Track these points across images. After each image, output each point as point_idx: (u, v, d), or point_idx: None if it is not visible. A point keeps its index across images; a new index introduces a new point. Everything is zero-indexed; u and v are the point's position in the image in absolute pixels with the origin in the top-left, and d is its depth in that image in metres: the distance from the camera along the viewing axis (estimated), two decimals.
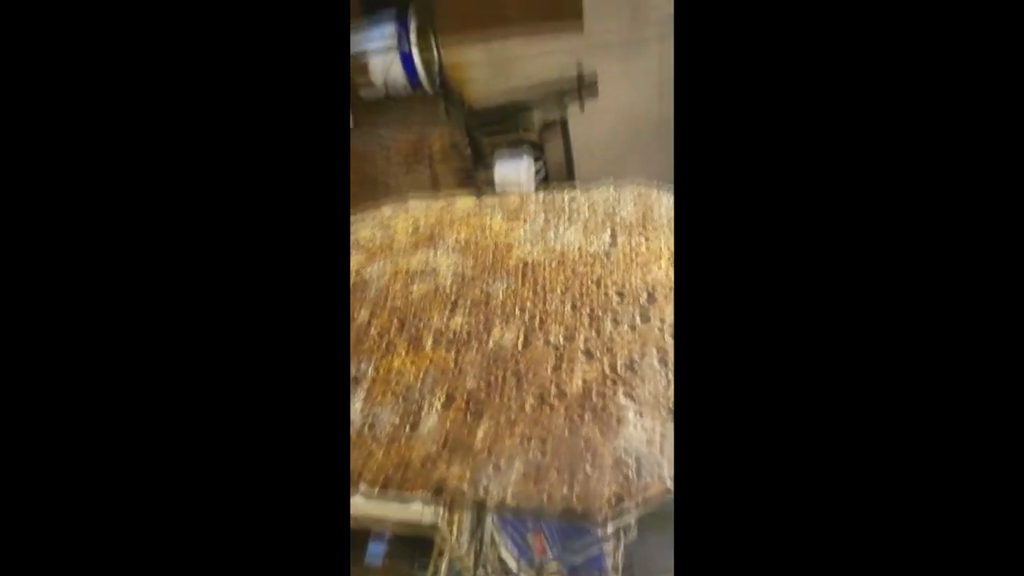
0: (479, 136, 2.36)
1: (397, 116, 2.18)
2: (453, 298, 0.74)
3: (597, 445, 0.56)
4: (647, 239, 0.76)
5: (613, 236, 0.79)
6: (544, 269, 0.75)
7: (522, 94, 2.62)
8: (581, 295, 0.71)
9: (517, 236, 0.82)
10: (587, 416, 0.59)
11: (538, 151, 2.53)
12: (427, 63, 2.10)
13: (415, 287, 0.76)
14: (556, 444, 0.57)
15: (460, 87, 2.53)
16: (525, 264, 0.77)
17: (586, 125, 2.68)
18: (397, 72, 2.08)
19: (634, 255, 0.75)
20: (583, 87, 2.60)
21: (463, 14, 2.42)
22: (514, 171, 2.27)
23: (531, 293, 0.73)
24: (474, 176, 2.24)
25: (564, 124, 2.67)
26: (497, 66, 2.57)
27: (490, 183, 2.28)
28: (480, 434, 0.59)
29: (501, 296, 0.73)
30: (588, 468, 0.55)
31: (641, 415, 0.58)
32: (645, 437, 0.56)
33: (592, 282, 0.73)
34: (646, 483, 0.52)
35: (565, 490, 0.53)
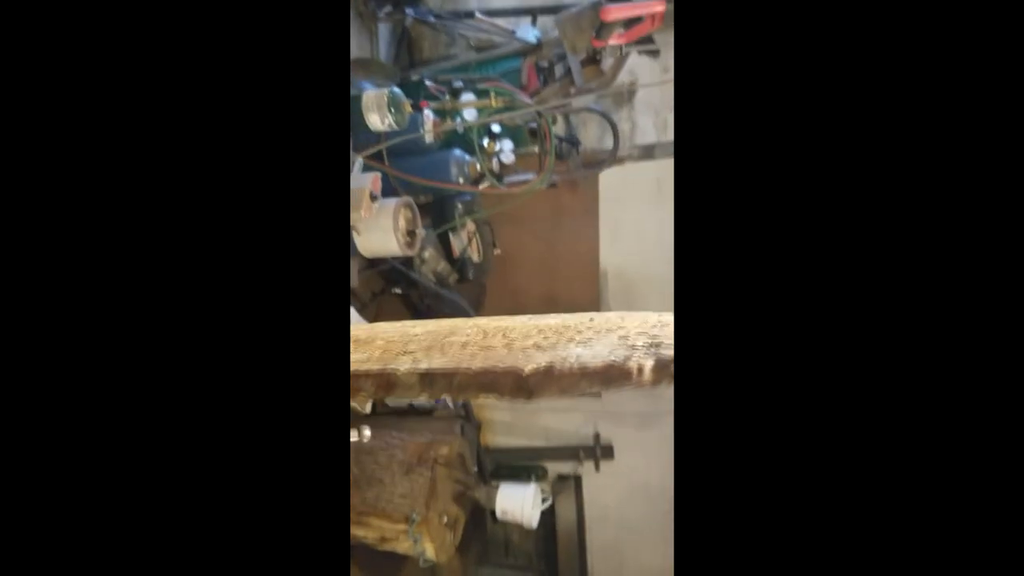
0: (488, 460, 2.31)
1: (414, 425, 2.24)
2: (415, 337, 0.69)
3: (536, 354, 0.44)
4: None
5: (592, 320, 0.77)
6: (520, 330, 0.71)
7: (540, 441, 2.67)
8: (553, 333, 0.65)
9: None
10: (533, 350, 0.48)
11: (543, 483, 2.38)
12: None
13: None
14: (489, 356, 0.44)
15: (480, 422, 2.64)
16: (501, 329, 0.74)
17: (600, 486, 2.59)
18: None
19: (609, 322, 0.71)
20: (599, 447, 2.64)
21: None
22: (519, 498, 2.10)
23: (502, 337, 0.67)
24: (473, 492, 2.09)
25: (578, 480, 2.59)
26: (518, 411, 2.73)
27: (491, 504, 2.09)
28: (404, 363, 0.47)
29: (471, 334, 0.67)
30: (520, 355, 0.41)
31: (591, 346, 0.46)
32: (590, 352, 0.44)
33: (564, 327, 0.67)
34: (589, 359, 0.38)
35: (491, 363, 0.38)
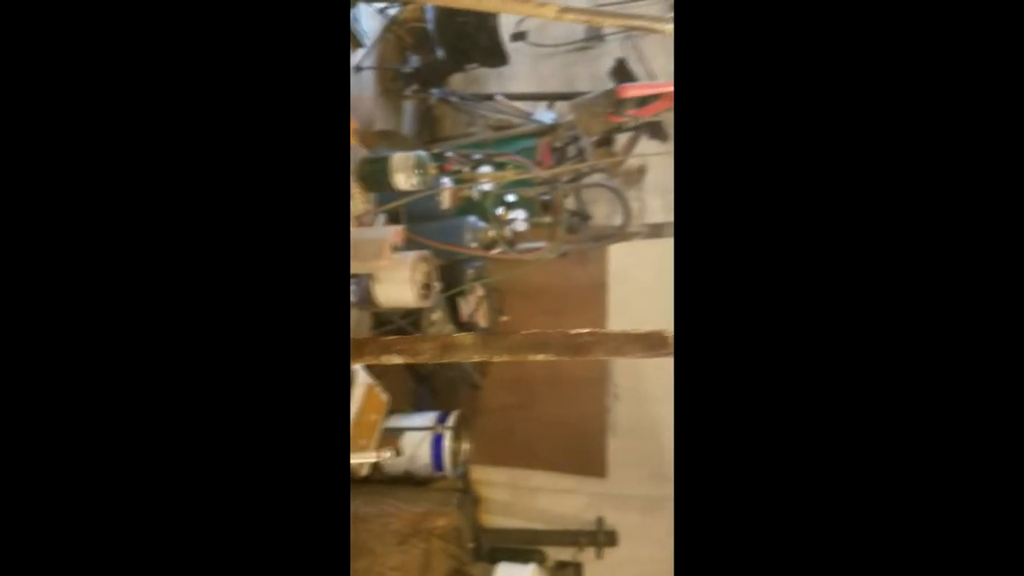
0: (486, 538, 2.17)
1: (409, 493, 2.13)
2: None
3: None
4: None
5: None
6: None
7: (538, 524, 2.53)
8: None
9: None
10: None
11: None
12: (454, 453, 2.22)
13: None
14: None
15: (479, 499, 2.51)
16: None
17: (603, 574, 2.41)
18: (424, 451, 2.18)
19: None
20: (601, 533, 2.49)
21: (494, 447, 2.63)
22: None
23: None
24: (468, 570, 1.94)
25: (578, 568, 2.42)
26: (518, 490, 2.60)
27: None
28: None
29: None
30: None
31: None
32: None
33: None
34: None
35: None
